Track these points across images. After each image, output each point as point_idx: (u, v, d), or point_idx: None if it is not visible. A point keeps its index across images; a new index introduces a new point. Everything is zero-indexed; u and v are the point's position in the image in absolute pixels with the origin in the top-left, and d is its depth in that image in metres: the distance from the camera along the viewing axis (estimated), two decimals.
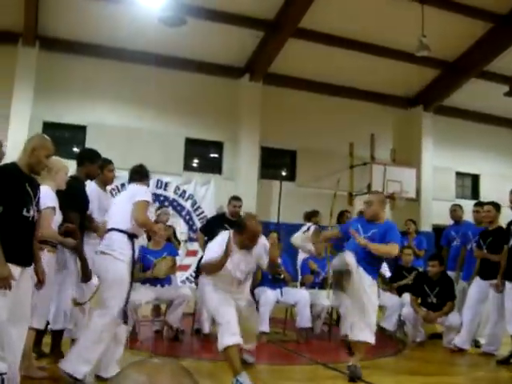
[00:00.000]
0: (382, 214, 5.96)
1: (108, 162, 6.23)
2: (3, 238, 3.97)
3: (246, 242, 5.24)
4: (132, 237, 4.99)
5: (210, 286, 5.30)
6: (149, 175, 5.59)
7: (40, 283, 4.52)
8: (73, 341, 5.91)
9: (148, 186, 5.54)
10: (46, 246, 5.00)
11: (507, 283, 6.69)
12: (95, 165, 5.88)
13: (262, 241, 5.46)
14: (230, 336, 5.01)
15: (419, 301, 7.89)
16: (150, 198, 5.22)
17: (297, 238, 10.19)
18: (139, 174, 5.48)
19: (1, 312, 3.95)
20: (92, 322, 4.87)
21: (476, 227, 8.09)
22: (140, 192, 5.18)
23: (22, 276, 4.14)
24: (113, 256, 4.88)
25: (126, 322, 4.92)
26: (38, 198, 4.39)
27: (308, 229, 10.05)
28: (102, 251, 4.99)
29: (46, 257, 4.90)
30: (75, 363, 4.68)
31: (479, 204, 8.33)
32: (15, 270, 4.04)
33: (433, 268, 7.78)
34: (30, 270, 4.30)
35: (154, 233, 6.18)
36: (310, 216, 10.92)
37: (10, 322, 4.04)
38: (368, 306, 5.59)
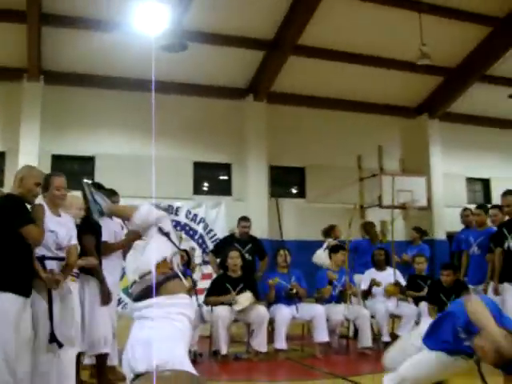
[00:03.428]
0: None
1: (112, 193, 6.26)
2: (12, 270, 4.01)
3: None
4: (40, 259, 4.55)
5: None
6: (48, 185, 4.70)
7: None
8: (110, 368, 5.92)
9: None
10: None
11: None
12: None
13: None
14: None
15: (436, 309, 7.83)
16: None
17: (318, 257, 10.19)
18: None
19: (11, 347, 4.00)
20: None
21: (477, 231, 8.06)
22: None
23: (25, 307, 4.17)
24: None
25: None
26: None
27: (327, 247, 10.05)
28: None
29: (69, 286, 4.91)
30: None
31: (480, 207, 8.31)
32: (19, 300, 4.10)
33: (447, 277, 7.72)
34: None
35: None
36: (328, 231, 10.93)
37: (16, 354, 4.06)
38: None
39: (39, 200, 4.66)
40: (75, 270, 5.21)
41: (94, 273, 5.56)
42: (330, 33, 13.71)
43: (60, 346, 4.42)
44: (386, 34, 13.91)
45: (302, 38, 13.59)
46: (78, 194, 5.92)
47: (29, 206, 4.41)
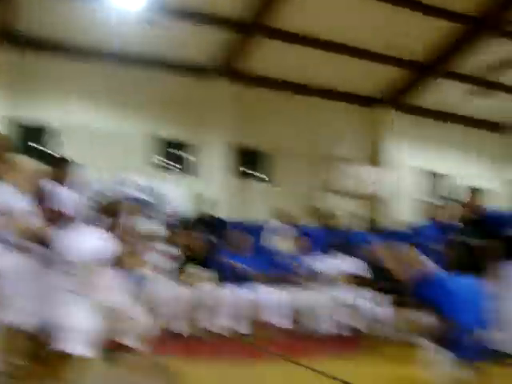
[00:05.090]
0: None
1: (65, 161, 6.26)
2: None
3: None
4: None
5: None
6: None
7: None
8: None
9: None
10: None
11: None
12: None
13: None
14: None
15: None
16: None
17: (275, 242, 10.31)
18: None
19: None
20: None
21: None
22: None
23: None
24: None
25: None
26: None
27: (279, 231, 10.17)
28: None
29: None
30: None
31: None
32: None
33: None
34: None
35: None
36: (280, 215, 11.06)
37: None
38: None
39: None
40: None
41: None
42: (303, 18, 13.71)
43: None
44: (357, 22, 13.93)
45: (275, 21, 13.60)
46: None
47: None
